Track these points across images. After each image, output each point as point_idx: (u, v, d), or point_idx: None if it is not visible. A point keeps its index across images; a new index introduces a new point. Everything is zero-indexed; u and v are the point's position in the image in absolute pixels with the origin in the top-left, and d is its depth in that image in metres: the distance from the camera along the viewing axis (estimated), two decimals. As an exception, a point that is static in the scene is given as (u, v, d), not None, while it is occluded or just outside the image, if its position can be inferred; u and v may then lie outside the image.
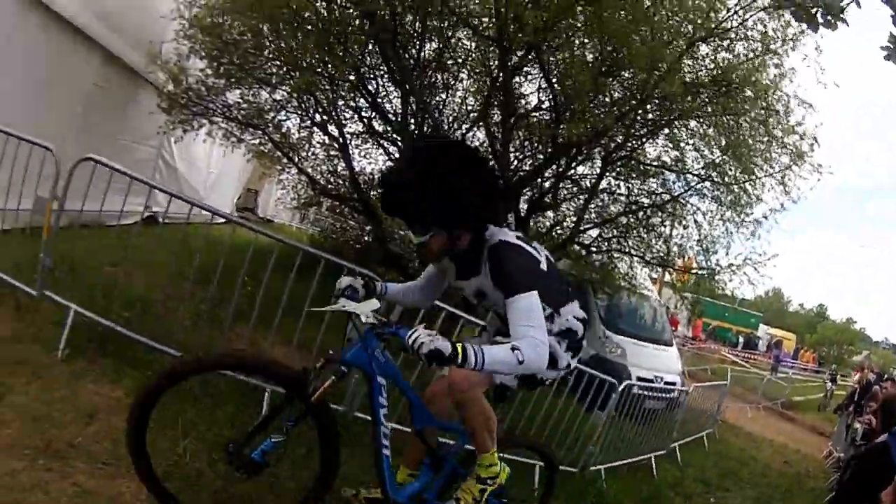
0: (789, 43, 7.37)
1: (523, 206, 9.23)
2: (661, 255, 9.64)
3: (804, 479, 10.97)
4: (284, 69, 8.27)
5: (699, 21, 6.99)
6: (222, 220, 5.21)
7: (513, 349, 2.44)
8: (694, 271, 9.87)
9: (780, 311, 76.32)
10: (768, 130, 8.11)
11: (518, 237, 2.81)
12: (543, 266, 2.88)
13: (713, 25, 7.07)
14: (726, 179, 8.63)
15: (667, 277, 11.56)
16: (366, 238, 11.35)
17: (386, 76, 8.95)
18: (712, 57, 7.64)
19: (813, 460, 13.17)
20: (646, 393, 8.10)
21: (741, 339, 43.06)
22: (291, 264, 4.75)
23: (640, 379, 9.44)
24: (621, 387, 6.63)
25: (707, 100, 7.69)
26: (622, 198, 9.75)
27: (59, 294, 4.46)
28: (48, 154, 4.71)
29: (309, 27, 7.62)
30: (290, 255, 4.85)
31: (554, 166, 9.13)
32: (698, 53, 7.61)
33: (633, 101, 7.66)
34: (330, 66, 7.95)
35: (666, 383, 10.50)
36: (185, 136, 9.43)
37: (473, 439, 3.08)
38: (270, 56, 8.20)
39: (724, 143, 8.32)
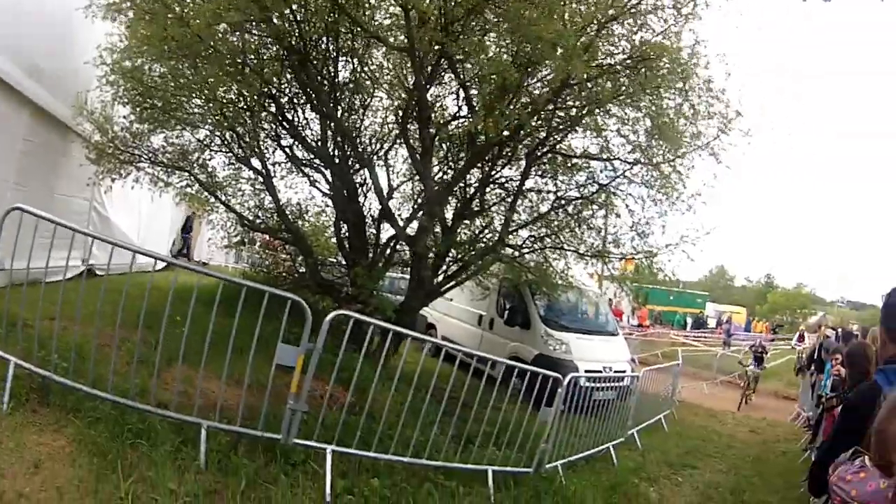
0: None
1: (449, 216, 9.50)
2: (596, 246, 10.01)
3: (773, 445, 11.50)
4: (206, 107, 8.50)
5: (610, 1, 7.18)
6: (160, 267, 5.40)
7: None
8: (630, 256, 10.41)
9: (727, 288, 79.37)
10: (692, 103, 8.42)
11: None
12: None
13: (624, 4, 7.26)
14: (655, 161, 8.97)
15: (606, 271, 12.11)
16: (299, 269, 11.55)
17: (305, 103, 9.25)
18: (628, 37, 7.84)
19: (781, 425, 13.87)
20: (594, 385, 8.34)
21: (689, 321, 44.88)
22: (230, 302, 4.91)
23: (589, 371, 9.83)
24: (566, 381, 6.79)
25: (626, 80, 7.89)
26: (550, 194, 10.11)
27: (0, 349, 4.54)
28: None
29: (226, 60, 7.77)
30: (229, 294, 4.97)
31: (478, 171, 9.44)
32: (613, 35, 7.81)
33: (549, 93, 7.87)
34: (248, 98, 8.29)
35: (615, 372, 10.79)
36: (114, 186, 9.67)
37: None
38: (192, 94, 8.39)
39: (649, 124, 8.62)
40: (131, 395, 4.65)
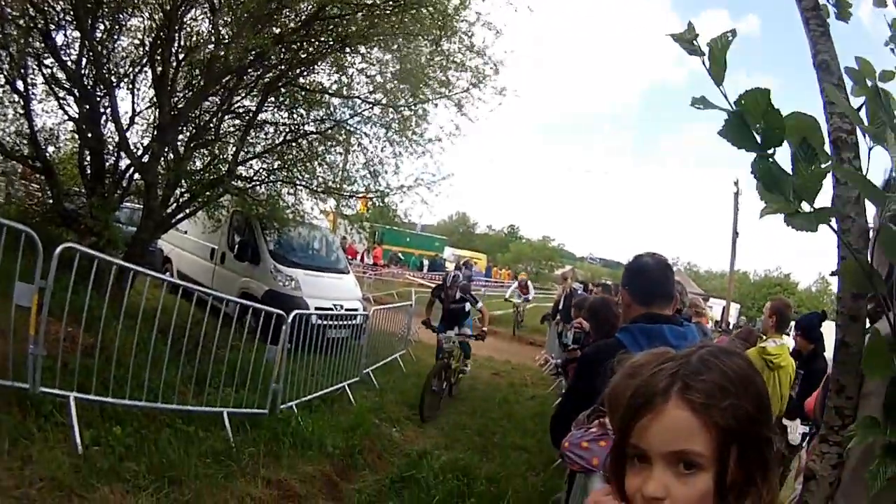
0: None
1: (181, 144, 9.41)
2: (329, 183, 10.49)
3: (521, 388, 12.54)
4: None
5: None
6: None
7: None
8: (362, 196, 10.87)
9: (468, 234, 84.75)
10: (449, 54, 9.08)
11: None
12: None
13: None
14: (397, 103, 9.58)
15: (340, 208, 12.49)
16: (49, 200, 10.73)
17: (71, 22, 8.75)
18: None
19: (527, 369, 14.94)
20: (326, 323, 8.85)
21: (426, 263, 47.55)
22: None
23: (319, 308, 10.32)
24: (290, 318, 7.17)
25: (382, 22, 8.32)
26: (286, 128, 10.37)
27: None
28: None
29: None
30: None
31: (217, 98, 9.40)
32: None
33: (299, 24, 8.16)
34: (22, 17, 8.00)
35: (346, 310, 11.37)
36: None
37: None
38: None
39: (397, 67, 9.18)
40: None
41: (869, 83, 1.65)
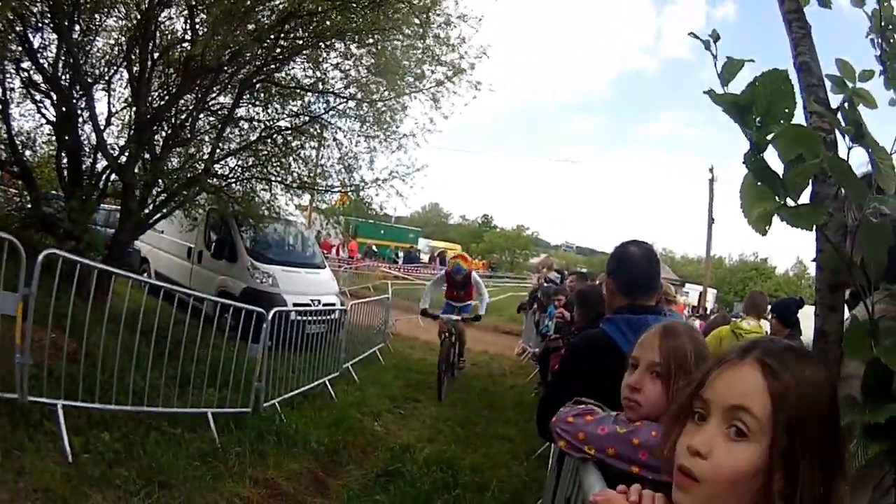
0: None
1: (158, 143, 9.41)
2: (303, 178, 10.57)
3: (500, 378, 12.67)
4: None
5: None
6: None
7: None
8: (341, 190, 10.93)
9: (442, 225, 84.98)
10: (425, 47, 9.17)
11: None
12: None
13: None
14: (373, 98, 9.64)
15: (315, 203, 12.53)
16: (28, 205, 10.69)
17: (49, 24, 8.69)
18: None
19: (505, 359, 15.06)
20: (305, 318, 8.90)
21: (401, 255, 47.57)
22: None
23: (297, 305, 10.41)
24: (270, 315, 7.21)
25: (358, 17, 8.34)
26: (261, 124, 10.42)
27: None
28: None
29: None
30: None
31: (193, 97, 9.40)
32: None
33: (275, 21, 8.20)
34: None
35: (324, 305, 11.44)
36: None
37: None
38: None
39: (372, 62, 9.24)
40: None
41: (849, 85, 1.74)
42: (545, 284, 13.13)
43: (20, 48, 8.80)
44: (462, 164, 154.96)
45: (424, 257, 50.52)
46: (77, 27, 8.88)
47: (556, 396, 2.66)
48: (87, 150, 9.66)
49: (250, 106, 10.38)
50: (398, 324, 15.64)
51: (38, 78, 9.23)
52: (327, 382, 8.95)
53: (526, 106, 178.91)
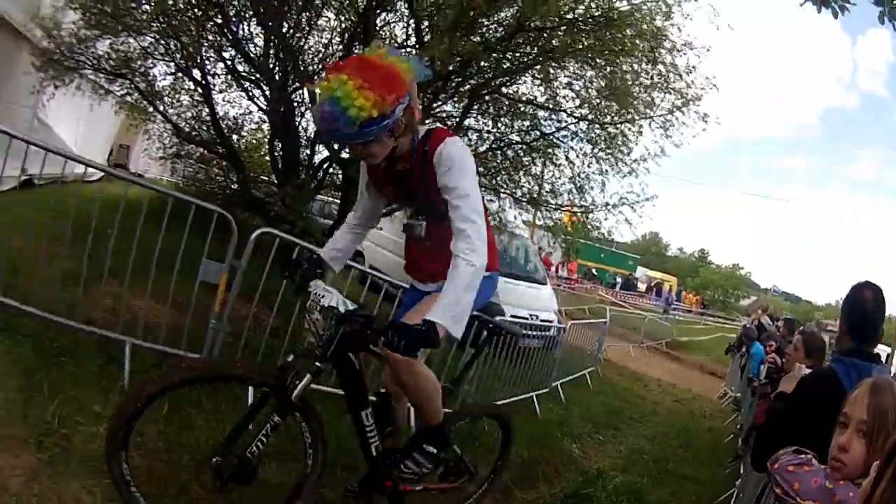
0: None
1: None
2: (532, 193, 10.60)
3: (699, 419, 12.22)
4: (153, 13, 8.71)
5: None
6: (95, 178, 5.35)
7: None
8: (566, 209, 10.88)
9: (660, 255, 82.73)
10: (653, 74, 9.00)
11: None
12: None
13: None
14: (603, 120, 9.57)
15: (540, 220, 12.55)
16: (232, 185, 11.91)
17: (252, 17, 9.41)
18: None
19: (707, 400, 14.61)
20: (522, 331, 8.89)
21: (619, 280, 46.69)
22: (160, 216, 5.03)
23: (514, 317, 10.39)
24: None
25: (585, 39, 8.37)
26: (490, 135, 10.58)
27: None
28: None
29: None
30: (162, 208, 5.09)
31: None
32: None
33: (504, 32, 8.33)
34: (195, 6, 8.62)
35: (542, 321, 11.36)
36: (57, 94, 10.09)
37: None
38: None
39: (603, 84, 9.18)
40: (59, 312, 4.66)
41: None
42: (748, 326, 12.60)
43: (220, 37, 9.55)
44: (681, 194, 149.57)
45: (641, 286, 49.38)
46: (285, 23, 9.29)
47: (779, 430, 2.89)
48: (305, 140, 10.27)
49: (479, 116, 10.54)
50: (609, 350, 15.39)
51: (241, 67, 9.99)
52: (535, 397, 8.92)
53: (733, 135, 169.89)
